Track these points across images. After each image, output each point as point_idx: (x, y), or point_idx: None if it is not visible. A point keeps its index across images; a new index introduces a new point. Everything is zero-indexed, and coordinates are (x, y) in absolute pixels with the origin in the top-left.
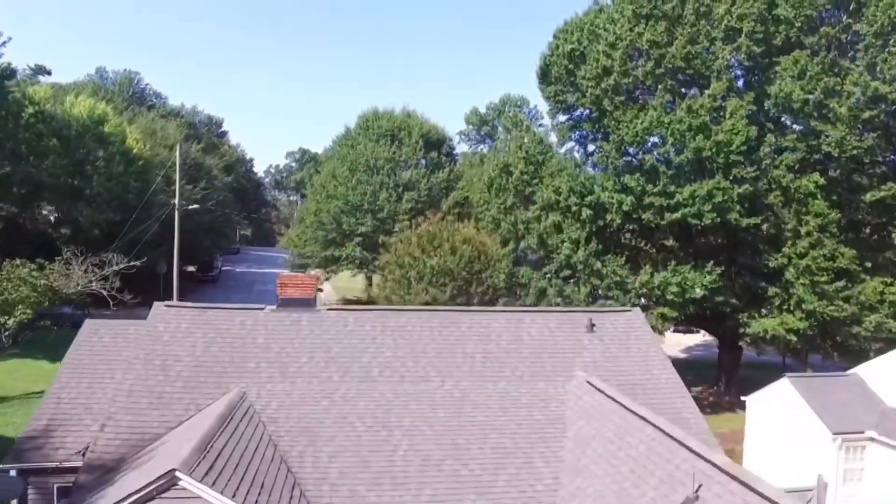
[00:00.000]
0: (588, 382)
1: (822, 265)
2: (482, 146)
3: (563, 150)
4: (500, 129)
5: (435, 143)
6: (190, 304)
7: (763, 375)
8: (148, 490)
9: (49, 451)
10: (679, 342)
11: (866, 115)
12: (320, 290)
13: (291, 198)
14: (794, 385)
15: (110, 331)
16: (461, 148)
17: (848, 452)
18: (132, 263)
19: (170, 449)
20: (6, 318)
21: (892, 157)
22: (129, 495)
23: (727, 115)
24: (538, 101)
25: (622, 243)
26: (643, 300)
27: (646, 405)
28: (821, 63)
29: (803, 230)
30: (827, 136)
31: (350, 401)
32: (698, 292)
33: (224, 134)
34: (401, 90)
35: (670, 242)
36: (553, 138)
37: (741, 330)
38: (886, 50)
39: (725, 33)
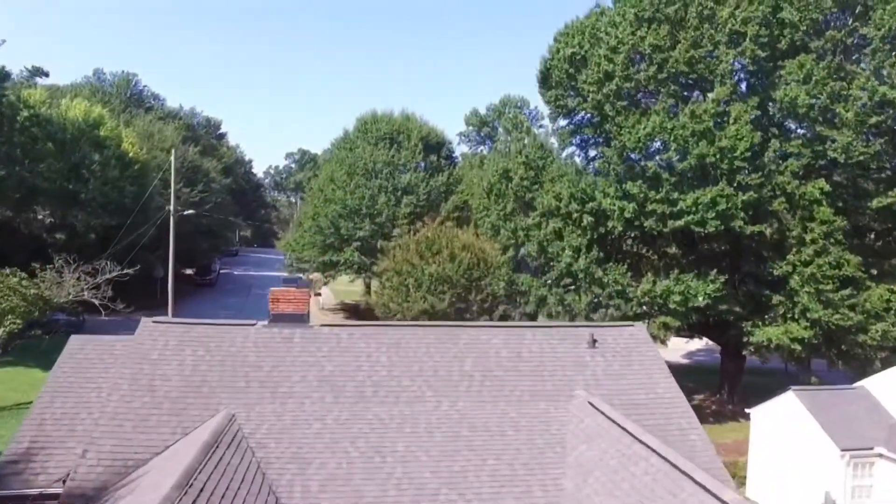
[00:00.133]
0: (590, 403)
1: (827, 273)
2: (482, 147)
3: (563, 156)
4: (500, 130)
5: (434, 146)
6: (178, 319)
7: (766, 382)
8: None
9: (29, 476)
10: (681, 347)
11: (873, 120)
12: (318, 295)
13: (291, 199)
14: (800, 398)
15: (97, 347)
16: (461, 149)
17: (856, 469)
18: (125, 271)
19: (152, 481)
20: None
21: None
22: None
23: (731, 121)
24: (538, 103)
25: (624, 251)
26: (645, 308)
27: (650, 426)
28: (827, 67)
29: (808, 237)
30: (833, 142)
31: (343, 423)
32: (701, 301)
33: (223, 135)
34: (400, 91)
35: (673, 250)
36: (554, 142)
37: (745, 339)
38: (894, 54)
39: (729, 37)
